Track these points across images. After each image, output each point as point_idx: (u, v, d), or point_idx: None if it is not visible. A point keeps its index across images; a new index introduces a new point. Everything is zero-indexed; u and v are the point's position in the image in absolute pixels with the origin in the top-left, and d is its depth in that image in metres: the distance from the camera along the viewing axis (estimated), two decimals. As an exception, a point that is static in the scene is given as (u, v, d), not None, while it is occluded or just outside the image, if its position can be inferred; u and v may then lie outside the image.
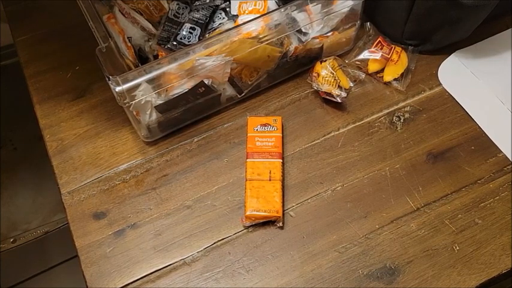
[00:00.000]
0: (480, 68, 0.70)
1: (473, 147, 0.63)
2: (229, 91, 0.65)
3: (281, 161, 0.61)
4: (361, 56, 0.70)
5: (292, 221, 0.58)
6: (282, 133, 0.64)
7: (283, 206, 0.58)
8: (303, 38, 0.65)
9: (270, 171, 0.59)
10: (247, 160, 0.61)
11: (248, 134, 0.63)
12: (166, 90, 0.60)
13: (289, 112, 0.67)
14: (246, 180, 0.59)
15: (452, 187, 0.60)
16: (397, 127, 0.65)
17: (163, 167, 0.63)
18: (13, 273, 1.24)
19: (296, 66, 0.69)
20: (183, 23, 0.65)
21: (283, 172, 0.61)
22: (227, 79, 0.62)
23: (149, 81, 0.55)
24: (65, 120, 0.68)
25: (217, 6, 0.67)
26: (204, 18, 0.65)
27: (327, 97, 0.65)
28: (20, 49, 0.75)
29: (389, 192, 0.60)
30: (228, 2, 0.67)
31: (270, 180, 0.59)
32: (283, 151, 0.63)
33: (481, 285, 0.54)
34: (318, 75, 0.65)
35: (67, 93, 0.70)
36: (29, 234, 1.28)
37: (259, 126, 0.63)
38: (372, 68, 0.69)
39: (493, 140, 0.63)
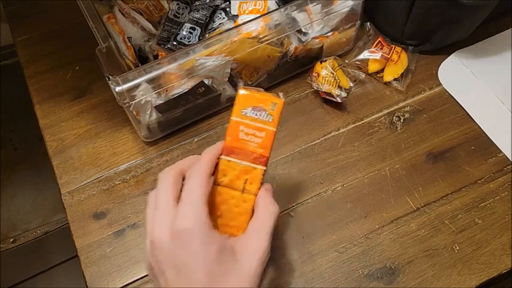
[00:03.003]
0: (480, 68, 0.70)
1: (473, 147, 0.63)
2: (229, 91, 0.65)
3: (264, 168, 0.44)
4: (361, 56, 0.70)
5: (292, 221, 0.58)
6: (277, 127, 0.45)
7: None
8: (303, 38, 0.65)
9: (246, 181, 0.44)
10: (221, 157, 0.44)
11: (232, 118, 0.45)
12: (166, 90, 0.60)
13: (289, 112, 0.67)
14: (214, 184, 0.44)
15: (452, 187, 0.60)
16: (397, 127, 0.65)
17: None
18: (13, 273, 1.25)
19: (296, 66, 0.69)
20: (183, 23, 0.65)
21: (261, 184, 0.45)
22: (227, 79, 0.62)
23: (149, 81, 0.55)
24: (65, 120, 0.68)
25: (217, 6, 0.67)
26: (204, 18, 0.65)
27: (327, 97, 0.65)
28: (20, 49, 0.75)
29: (389, 192, 0.60)
30: (228, 2, 0.67)
31: (242, 192, 0.44)
32: (270, 155, 0.45)
33: (481, 285, 0.54)
34: (318, 75, 0.65)
35: (67, 93, 0.70)
36: (29, 234, 1.28)
37: (250, 109, 0.45)
38: (372, 68, 0.69)
39: (493, 140, 0.63)
